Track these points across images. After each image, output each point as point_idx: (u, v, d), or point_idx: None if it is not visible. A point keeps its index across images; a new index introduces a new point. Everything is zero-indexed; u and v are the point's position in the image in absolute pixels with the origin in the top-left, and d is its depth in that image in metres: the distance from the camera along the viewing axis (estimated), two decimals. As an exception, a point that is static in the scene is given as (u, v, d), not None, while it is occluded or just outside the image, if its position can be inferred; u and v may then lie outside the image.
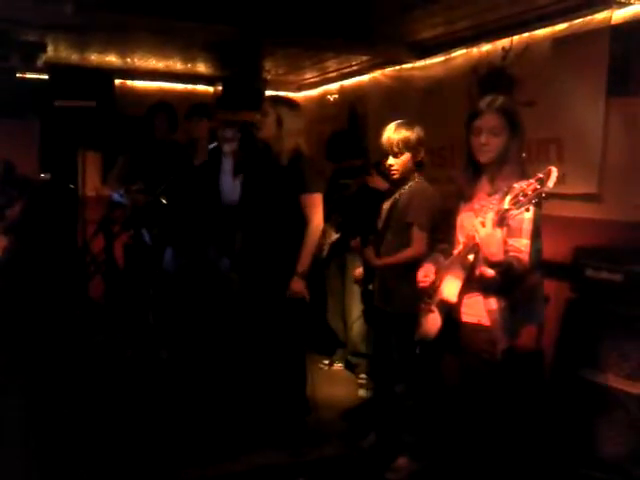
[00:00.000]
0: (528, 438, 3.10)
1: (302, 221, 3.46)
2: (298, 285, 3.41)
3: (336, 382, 4.77)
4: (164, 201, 4.27)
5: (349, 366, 4.95)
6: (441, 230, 3.09)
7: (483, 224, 2.37)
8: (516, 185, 2.26)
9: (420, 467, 3.29)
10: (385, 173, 3.49)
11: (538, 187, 2.17)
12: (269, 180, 3.55)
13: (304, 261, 3.42)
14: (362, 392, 4.48)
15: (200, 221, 4.29)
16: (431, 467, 3.25)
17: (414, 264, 2.98)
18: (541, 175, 2.18)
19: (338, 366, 5.07)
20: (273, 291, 3.46)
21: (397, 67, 5.62)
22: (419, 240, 3.24)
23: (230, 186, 4.21)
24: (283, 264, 3.45)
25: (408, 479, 3.26)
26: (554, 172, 2.16)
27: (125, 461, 3.36)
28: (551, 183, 2.15)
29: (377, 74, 5.93)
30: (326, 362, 5.10)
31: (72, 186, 5.41)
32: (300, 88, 7.27)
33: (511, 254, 2.43)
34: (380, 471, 3.31)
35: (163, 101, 5.00)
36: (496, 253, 2.37)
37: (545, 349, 3.53)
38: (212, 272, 4.18)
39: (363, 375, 4.58)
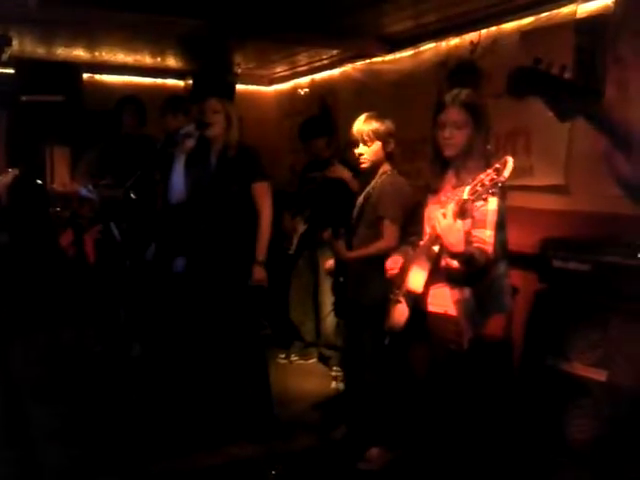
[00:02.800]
0: (497, 426, 3.15)
1: (253, 210, 3.54)
2: (260, 273, 3.50)
3: (308, 375, 4.79)
4: (133, 196, 4.23)
5: (322, 359, 4.97)
6: (413, 223, 3.12)
7: (444, 215, 2.40)
8: (479, 176, 2.29)
9: (393, 457, 3.32)
10: (351, 163, 3.51)
11: (495, 177, 2.21)
12: (220, 175, 3.58)
13: (261, 249, 3.51)
14: (335, 384, 4.50)
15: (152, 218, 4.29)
16: (404, 457, 3.28)
17: (384, 256, 3.00)
18: (498, 165, 2.22)
19: (294, 359, 5.09)
20: (234, 283, 3.52)
21: (367, 61, 5.64)
22: (390, 232, 3.25)
23: (180, 182, 4.18)
24: (241, 255, 3.51)
25: (381, 469, 3.29)
26: (510, 162, 2.19)
27: (95, 455, 3.35)
28: (507, 173, 2.18)
29: (348, 68, 5.94)
30: (282, 356, 5.10)
31: (39, 181, 5.34)
32: (271, 82, 7.26)
33: (475, 245, 2.46)
34: (353, 462, 3.33)
35: (131, 95, 4.95)
36: (456, 244, 2.39)
37: (514, 338, 3.58)
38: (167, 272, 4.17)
39: (336, 368, 4.60)
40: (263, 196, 3.55)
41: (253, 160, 3.58)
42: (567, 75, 1.39)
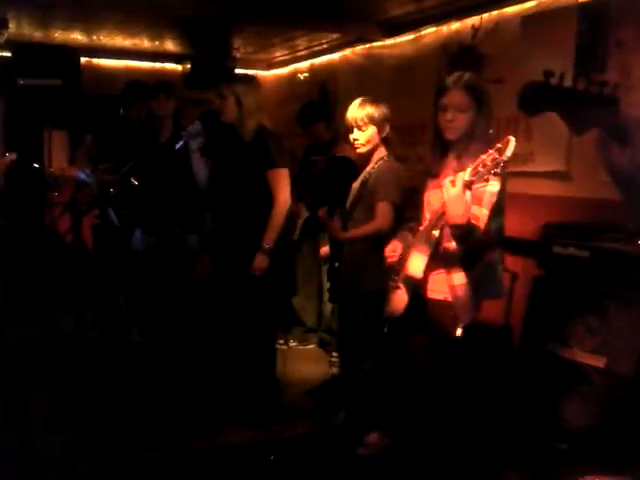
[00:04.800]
0: (496, 412, 3.15)
1: (269, 198, 3.45)
2: (261, 261, 3.41)
3: (308, 360, 4.79)
4: (135, 182, 4.20)
5: (322, 344, 4.98)
6: (410, 208, 3.10)
7: (453, 183, 2.36)
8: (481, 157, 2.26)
9: (392, 442, 3.32)
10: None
11: (497, 157, 2.18)
12: (236, 159, 3.53)
13: (269, 237, 3.43)
14: (334, 370, 4.50)
15: (169, 201, 4.23)
16: (402, 442, 3.28)
17: (382, 242, 2.98)
18: (499, 145, 2.19)
19: (294, 344, 5.09)
20: (242, 269, 3.45)
21: (367, 45, 5.61)
22: (384, 213, 3.22)
23: (198, 167, 4.16)
24: (252, 241, 3.44)
25: (379, 454, 3.30)
26: (512, 141, 2.16)
27: (95, 440, 3.36)
28: (509, 152, 2.15)
29: (347, 52, 5.91)
30: (281, 341, 5.09)
31: (37, 166, 5.31)
32: (270, 66, 7.22)
33: (470, 221, 2.43)
34: (351, 447, 3.33)
35: (141, 82, 4.85)
36: (461, 215, 2.36)
37: (514, 324, 3.58)
38: (180, 250, 4.13)
39: (335, 353, 4.60)
40: (279, 183, 3.46)
41: (270, 146, 3.47)
42: (580, 85, 1.34)
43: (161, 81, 4.56)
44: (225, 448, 3.35)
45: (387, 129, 3.31)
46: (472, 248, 2.50)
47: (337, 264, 3.49)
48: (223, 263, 3.61)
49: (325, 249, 3.88)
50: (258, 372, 3.63)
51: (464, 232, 2.42)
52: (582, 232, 3.32)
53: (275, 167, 3.47)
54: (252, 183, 3.47)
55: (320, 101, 5.98)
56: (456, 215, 2.37)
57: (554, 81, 1.29)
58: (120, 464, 3.15)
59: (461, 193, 2.32)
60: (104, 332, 4.72)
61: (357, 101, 3.30)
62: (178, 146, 3.90)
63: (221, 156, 3.69)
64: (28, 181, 5.41)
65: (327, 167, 4.51)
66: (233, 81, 3.59)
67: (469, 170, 2.27)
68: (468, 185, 2.30)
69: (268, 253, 3.42)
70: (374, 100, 3.29)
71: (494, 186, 2.43)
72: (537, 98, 1.35)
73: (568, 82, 1.30)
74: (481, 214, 2.48)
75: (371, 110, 3.24)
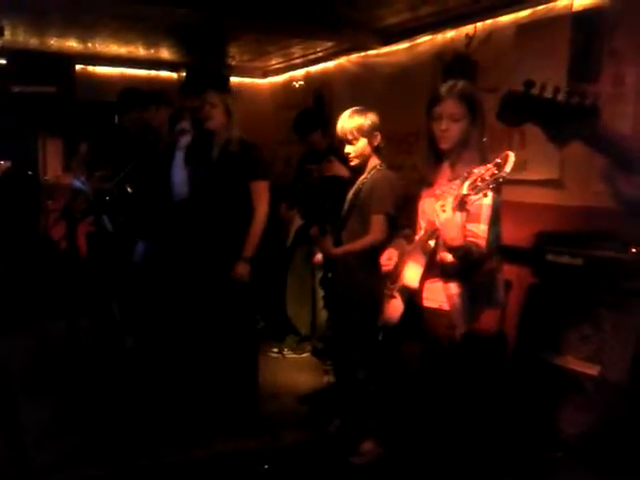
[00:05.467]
0: (491, 421, 3.15)
1: (250, 208, 3.53)
2: (241, 268, 3.48)
3: (302, 369, 4.78)
4: (129, 190, 4.20)
5: (316, 353, 4.97)
6: (405, 216, 3.10)
7: (443, 208, 2.38)
8: (475, 170, 2.27)
9: (386, 451, 3.31)
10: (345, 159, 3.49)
11: (496, 172, 2.18)
12: (221, 169, 3.57)
13: (249, 246, 3.51)
14: (328, 378, 4.49)
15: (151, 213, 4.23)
16: (397, 451, 3.28)
17: (376, 251, 2.98)
18: (499, 160, 2.18)
19: (288, 353, 5.08)
20: (223, 277, 3.50)
21: (362, 53, 5.62)
22: (377, 227, 3.22)
23: (181, 178, 4.15)
24: (233, 251, 3.50)
25: (374, 463, 3.28)
26: (511, 157, 2.15)
27: (88, 449, 3.34)
28: (508, 168, 2.15)
29: (343, 60, 5.92)
30: (275, 350, 5.09)
31: (30, 173, 5.30)
32: (266, 74, 7.23)
33: (469, 239, 2.45)
34: (345, 456, 3.32)
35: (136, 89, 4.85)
36: (456, 237, 2.37)
37: (508, 332, 3.58)
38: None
39: (329, 362, 4.59)
40: (260, 195, 3.55)
41: (254, 158, 3.57)
42: (561, 96, 1.33)
43: (152, 92, 4.57)
44: (219, 456, 3.34)
45: (378, 138, 3.30)
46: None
47: (330, 274, 3.49)
48: (204, 271, 3.63)
49: (318, 257, 3.87)
50: (238, 381, 3.64)
51: (463, 252, 2.43)
52: (576, 240, 3.33)
53: (259, 179, 3.55)
54: (236, 193, 3.53)
55: (315, 109, 5.98)
56: (451, 239, 2.38)
57: (534, 92, 1.28)
58: (113, 472, 3.14)
59: (452, 217, 2.33)
60: (97, 340, 4.70)
61: (345, 113, 3.29)
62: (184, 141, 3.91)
63: (205, 166, 3.70)
64: (22, 188, 5.40)
65: (318, 186, 4.54)
66: (224, 90, 3.63)
67: (467, 184, 2.26)
68: (463, 200, 2.29)
69: (249, 261, 3.50)
70: (362, 110, 3.28)
71: (488, 198, 2.43)
72: (516, 109, 1.33)
73: (549, 93, 1.28)
74: (480, 231, 2.49)
75: (360, 122, 3.22)
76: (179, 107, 4.29)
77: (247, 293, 3.59)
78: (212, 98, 3.55)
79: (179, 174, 4.07)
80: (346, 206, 3.40)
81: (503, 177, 2.17)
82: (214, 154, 3.63)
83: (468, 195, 2.26)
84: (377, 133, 3.29)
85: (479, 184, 2.22)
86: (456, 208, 2.32)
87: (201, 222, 3.67)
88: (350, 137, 3.24)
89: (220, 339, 3.65)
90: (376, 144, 3.30)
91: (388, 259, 2.81)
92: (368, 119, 3.24)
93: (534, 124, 1.40)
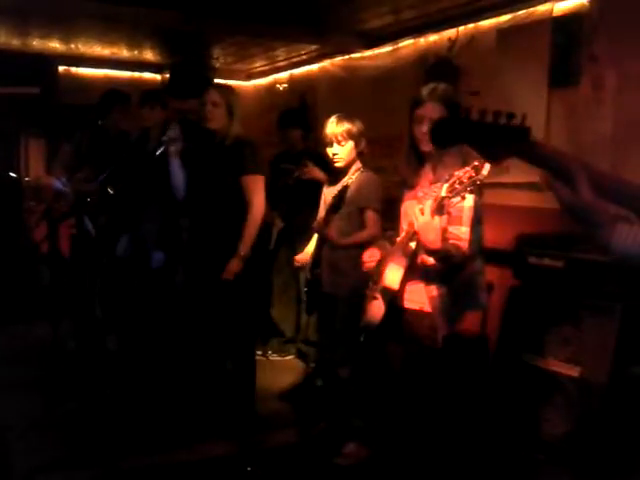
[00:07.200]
0: (472, 421, 3.17)
1: (244, 204, 3.44)
2: (234, 266, 3.36)
3: (286, 371, 4.77)
4: (110, 191, 4.17)
5: (301, 355, 4.97)
6: (387, 218, 3.16)
7: (422, 212, 2.41)
8: (456, 173, 2.29)
9: (369, 452, 3.32)
10: (324, 162, 3.60)
11: (474, 175, 2.22)
12: (216, 166, 3.53)
13: (246, 244, 3.39)
14: (313, 380, 4.48)
15: (148, 212, 4.22)
16: (380, 452, 3.29)
17: (360, 249, 3.03)
18: (477, 163, 2.22)
19: (272, 355, 5.08)
20: (218, 275, 3.43)
21: (346, 57, 5.64)
22: (374, 222, 3.38)
23: (176, 173, 4.13)
24: (227, 248, 3.43)
25: (358, 464, 3.29)
26: None
27: (73, 451, 3.32)
28: (485, 171, 2.19)
29: (326, 63, 5.94)
30: (259, 352, 5.08)
31: (13, 175, 5.26)
32: (250, 77, 7.22)
33: (450, 241, 2.47)
34: (330, 457, 3.33)
35: (122, 92, 4.84)
36: (433, 241, 2.41)
37: (490, 334, 3.60)
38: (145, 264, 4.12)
39: (313, 364, 4.59)
40: (254, 189, 3.44)
41: (247, 152, 3.47)
42: (489, 118, 1.38)
43: (148, 91, 4.55)
44: (204, 459, 3.32)
45: (363, 144, 3.46)
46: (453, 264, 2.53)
47: (317, 270, 3.53)
48: (199, 269, 3.61)
49: (300, 257, 3.85)
50: (237, 382, 3.61)
51: (443, 255, 2.47)
52: (556, 242, 3.36)
53: (251, 173, 3.46)
54: (229, 189, 3.47)
55: (299, 109, 5.99)
56: (429, 242, 2.44)
57: (461, 115, 1.31)
58: (99, 475, 3.12)
59: (430, 220, 2.39)
60: (80, 342, 4.67)
61: (334, 117, 3.43)
62: (158, 152, 3.88)
63: (201, 163, 3.69)
64: (4, 189, 5.35)
65: (295, 188, 4.57)
66: (224, 90, 3.61)
67: (445, 187, 2.30)
68: (442, 202, 2.33)
69: (243, 259, 3.39)
70: (349, 116, 3.44)
71: (469, 200, 2.47)
72: (446, 132, 1.36)
73: (475, 115, 1.32)
74: (461, 233, 2.52)
75: (349, 126, 3.38)
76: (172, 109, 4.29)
77: (246, 292, 3.52)
78: (214, 97, 3.45)
79: (179, 178, 4.02)
80: (328, 205, 3.50)
81: (480, 180, 2.21)
82: (209, 154, 3.58)
83: (446, 198, 2.30)
84: (363, 139, 3.45)
85: (457, 187, 2.26)
86: (435, 211, 2.36)
87: (196, 220, 3.66)
88: (340, 138, 3.37)
89: (217, 339, 3.61)
90: (360, 149, 3.45)
91: (370, 256, 2.86)
92: (355, 124, 3.41)
93: (468, 146, 1.46)
